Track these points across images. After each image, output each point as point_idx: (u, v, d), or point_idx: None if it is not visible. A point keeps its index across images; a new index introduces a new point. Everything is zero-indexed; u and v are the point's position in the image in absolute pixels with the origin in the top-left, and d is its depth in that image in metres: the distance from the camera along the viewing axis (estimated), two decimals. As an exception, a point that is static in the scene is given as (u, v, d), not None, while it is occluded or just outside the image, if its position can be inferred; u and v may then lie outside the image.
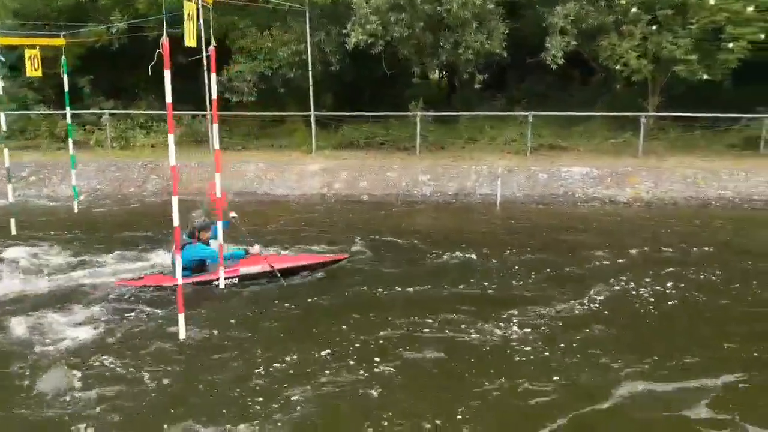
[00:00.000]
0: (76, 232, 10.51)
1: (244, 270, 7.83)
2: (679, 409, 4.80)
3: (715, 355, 5.92)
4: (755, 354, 5.90)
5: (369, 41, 14.56)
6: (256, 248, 7.81)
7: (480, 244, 9.82)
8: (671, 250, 9.62)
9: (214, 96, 6.86)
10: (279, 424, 4.66)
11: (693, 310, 7.16)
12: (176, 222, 5.44)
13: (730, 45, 14.01)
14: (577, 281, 8.10)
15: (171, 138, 5.59)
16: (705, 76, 14.55)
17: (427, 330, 6.50)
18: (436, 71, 19.30)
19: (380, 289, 7.75)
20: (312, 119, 15.88)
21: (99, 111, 16.66)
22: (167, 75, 5.41)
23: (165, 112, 15.65)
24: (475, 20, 14.69)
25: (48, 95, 16.99)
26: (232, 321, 6.69)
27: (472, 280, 8.16)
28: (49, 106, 16.98)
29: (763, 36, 14.07)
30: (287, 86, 16.28)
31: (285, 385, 5.23)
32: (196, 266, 7.72)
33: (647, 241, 10.16)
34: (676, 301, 7.44)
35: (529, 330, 6.50)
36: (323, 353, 5.81)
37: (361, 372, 5.49)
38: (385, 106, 16.69)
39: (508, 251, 9.52)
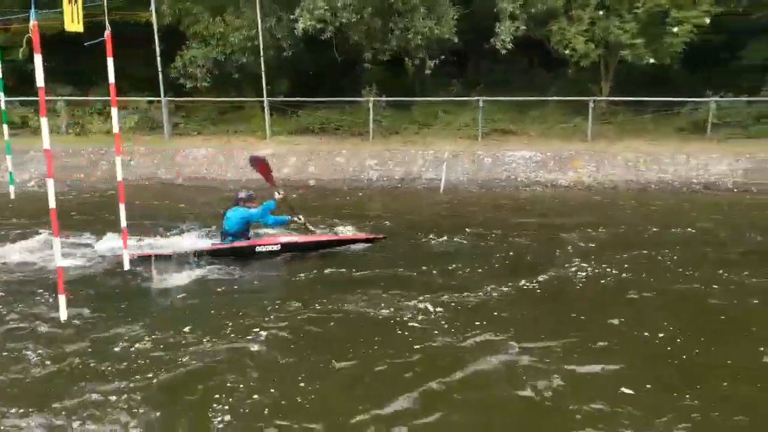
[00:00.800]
0: (10, 218, 10.62)
1: (284, 239, 8.41)
2: (523, 387, 4.90)
3: (610, 339, 5.75)
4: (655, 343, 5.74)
5: (318, 27, 14.64)
6: (300, 219, 8.49)
7: (415, 228, 9.77)
8: (603, 231, 9.52)
9: (112, 80, 6.97)
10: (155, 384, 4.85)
11: (613, 293, 6.98)
12: (52, 204, 5.54)
13: (675, 29, 14.12)
14: (504, 265, 7.93)
15: (44, 121, 5.69)
16: (651, 60, 14.68)
17: (332, 307, 6.45)
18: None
19: (301, 275, 7.62)
20: (265, 105, 15.99)
21: (54, 98, 16.74)
22: (38, 59, 5.51)
23: (124, 98, 15.66)
24: (423, 5, 14.78)
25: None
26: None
27: (401, 262, 7.97)
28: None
29: (707, 20, 14.19)
30: (242, 72, 16.37)
31: (152, 356, 5.37)
32: (241, 232, 8.19)
33: (580, 225, 10.08)
34: (603, 281, 7.33)
35: (442, 310, 6.34)
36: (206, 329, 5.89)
37: (243, 343, 5.62)
38: (347, 92, 16.76)
39: (444, 234, 9.34)
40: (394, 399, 4.63)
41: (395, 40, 15.29)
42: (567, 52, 15.16)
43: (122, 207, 7.04)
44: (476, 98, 15.76)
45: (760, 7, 14.95)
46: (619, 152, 14.02)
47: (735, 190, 12.87)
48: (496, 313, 6.30)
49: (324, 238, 8.58)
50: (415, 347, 5.50)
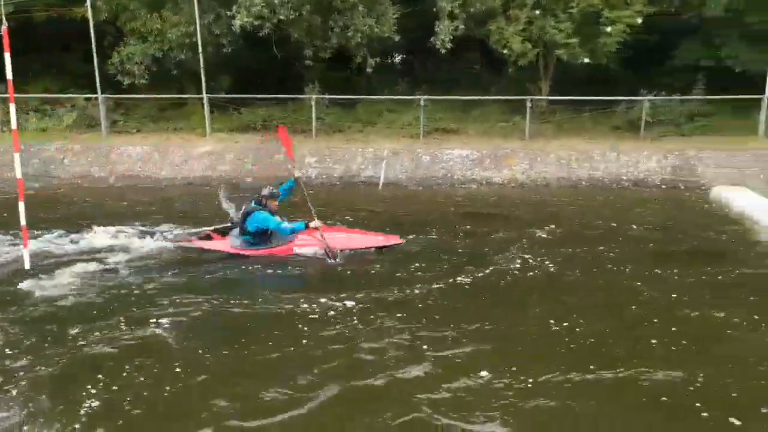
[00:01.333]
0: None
1: (297, 250, 7.90)
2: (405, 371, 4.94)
3: (509, 331, 5.79)
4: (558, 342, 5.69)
5: (256, 24, 14.57)
6: (316, 222, 7.87)
7: (350, 225, 9.63)
8: (536, 227, 9.51)
9: (9, 76, 6.86)
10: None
11: (543, 288, 6.97)
12: None
13: (608, 29, 14.37)
14: (437, 260, 7.85)
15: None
16: (586, 60, 14.92)
17: (244, 302, 6.36)
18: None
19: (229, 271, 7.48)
20: (205, 102, 15.87)
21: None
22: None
23: (60, 95, 15.39)
24: (363, 4, 14.81)
25: None
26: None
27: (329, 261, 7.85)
28: None
29: (639, 20, 14.47)
30: (181, 69, 16.22)
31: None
32: (260, 235, 7.83)
33: (509, 219, 10.38)
34: (534, 274, 7.35)
35: (364, 305, 6.26)
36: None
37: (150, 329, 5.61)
38: (291, 89, 16.70)
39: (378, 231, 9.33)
40: (271, 390, 4.62)
41: (335, 38, 15.29)
42: (505, 51, 15.31)
43: (21, 205, 6.95)
44: (418, 97, 15.83)
45: (691, 7, 15.28)
46: (554, 150, 14.23)
47: (663, 186, 13.16)
48: (417, 308, 6.24)
49: (340, 246, 7.94)
50: (311, 343, 5.47)
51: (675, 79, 16.07)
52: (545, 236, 9.06)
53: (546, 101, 16.42)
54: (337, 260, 7.70)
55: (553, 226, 9.56)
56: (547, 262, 7.70)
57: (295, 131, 16.10)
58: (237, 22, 14.49)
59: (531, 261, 7.74)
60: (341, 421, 4.32)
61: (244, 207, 8.02)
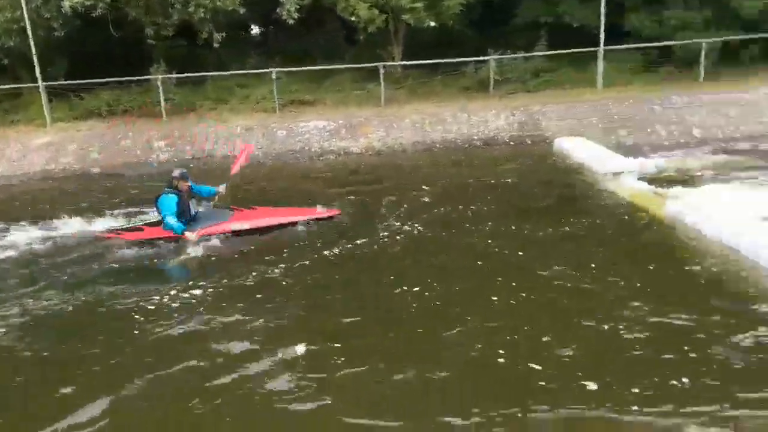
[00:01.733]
0: None
1: (236, 227, 7.84)
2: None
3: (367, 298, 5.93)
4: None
5: (87, 4, 13.72)
6: (221, 188, 8.25)
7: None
8: (399, 195, 9.64)
9: None
10: None
11: (397, 252, 7.14)
12: None
13: (450, -9, 14.61)
14: (293, 237, 7.83)
15: None
16: (432, 23, 15.15)
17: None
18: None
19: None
20: (41, 90, 14.83)
21: None
22: None
23: None
24: (202, -23, 14.26)
25: None
26: None
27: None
28: None
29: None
30: (11, 56, 15.04)
31: None
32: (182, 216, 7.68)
33: (371, 187, 10.45)
34: (400, 240, 7.45)
35: (212, 290, 6.22)
36: None
37: None
38: (136, 70, 15.86)
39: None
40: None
41: (177, 14, 14.67)
42: (353, 19, 15.26)
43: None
44: (269, 70, 15.52)
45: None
46: (408, 115, 14.42)
47: (511, 143, 13.66)
48: (279, 287, 6.23)
49: (275, 220, 8.04)
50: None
51: (519, 37, 16.68)
52: (410, 202, 9.20)
53: (399, 66, 16.58)
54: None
55: (415, 192, 9.74)
56: (416, 226, 7.92)
57: (144, 114, 15.45)
58: (66, 4, 13.61)
59: (397, 226, 7.90)
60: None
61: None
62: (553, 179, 10.61)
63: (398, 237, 7.58)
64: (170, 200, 7.61)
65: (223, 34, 15.19)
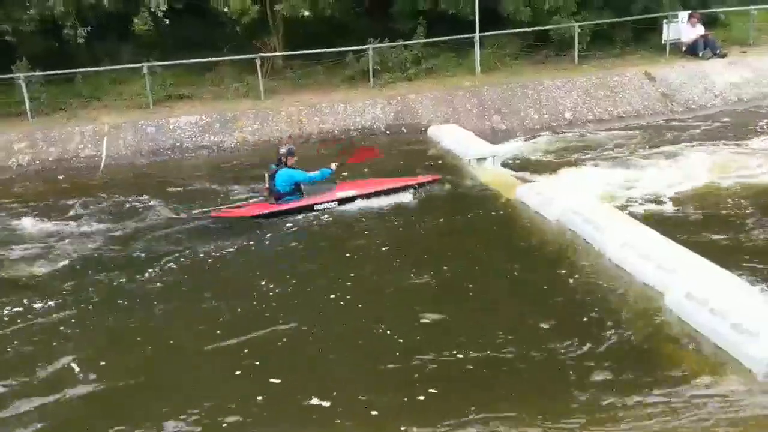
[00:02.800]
0: None
1: (341, 194, 8.71)
2: None
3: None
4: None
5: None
6: (333, 165, 8.81)
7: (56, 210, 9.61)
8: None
9: None
10: None
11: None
12: None
13: (322, -20, 14.36)
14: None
15: None
16: (306, 13, 14.88)
17: None
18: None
19: None
20: None
21: None
22: None
23: None
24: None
25: None
26: None
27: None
28: None
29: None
30: None
31: None
32: (293, 190, 8.52)
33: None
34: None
35: None
36: None
37: None
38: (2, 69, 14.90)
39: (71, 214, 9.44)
40: None
41: (34, 8, 13.86)
42: (226, 10, 14.82)
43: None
44: (140, 65, 14.89)
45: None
46: (284, 108, 14.11)
47: (388, 132, 13.60)
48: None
49: (378, 186, 8.90)
50: None
51: (400, 24, 16.57)
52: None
53: (281, 58, 16.23)
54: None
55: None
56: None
57: (8, 115, 14.59)
58: None
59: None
60: None
61: (266, 173, 8.73)
62: (417, 165, 10.62)
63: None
64: (290, 171, 8.51)
65: (89, 29, 14.45)
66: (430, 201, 8.91)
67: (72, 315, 6.19)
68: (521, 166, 10.55)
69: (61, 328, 5.96)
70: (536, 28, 15.73)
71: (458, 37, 15.52)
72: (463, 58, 15.96)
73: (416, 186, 9.09)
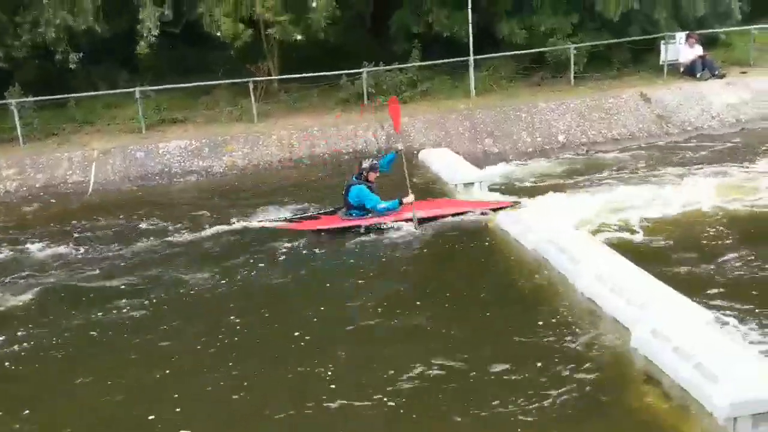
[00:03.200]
0: None
1: (408, 214, 8.55)
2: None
3: None
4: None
5: None
6: (410, 198, 8.57)
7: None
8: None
9: None
10: None
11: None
12: None
13: (314, 4, 14.32)
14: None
15: None
16: (299, 37, 14.82)
17: None
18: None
19: None
20: None
21: None
22: None
23: None
24: (48, -6, 13.58)
25: None
26: None
27: None
28: None
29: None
30: None
31: None
32: (362, 208, 8.51)
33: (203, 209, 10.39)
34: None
35: None
36: None
37: None
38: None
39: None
40: None
41: (26, 34, 13.93)
42: (219, 34, 14.81)
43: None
44: (132, 89, 14.88)
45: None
46: (276, 131, 14.01)
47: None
48: None
49: (449, 209, 8.80)
50: None
51: (396, 47, 16.50)
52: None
53: (276, 81, 16.18)
54: (417, 229, 8.41)
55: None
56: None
57: (0, 141, 14.62)
58: None
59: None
60: None
61: (345, 182, 8.78)
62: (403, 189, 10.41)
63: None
64: (365, 190, 8.41)
65: (80, 54, 14.48)
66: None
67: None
68: (509, 190, 10.33)
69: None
70: (532, 50, 15.59)
71: (453, 60, 15.38)
72: (459, 81, 15.82)
73: (493, 209, 8.78)
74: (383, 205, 8.50)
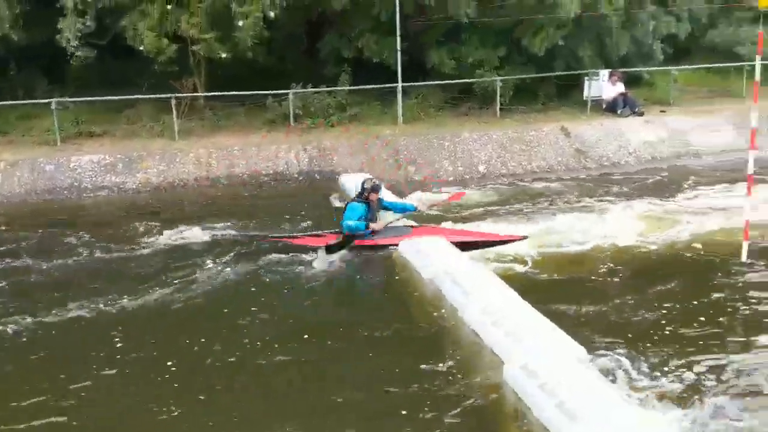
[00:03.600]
0: None
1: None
2: None
3: None
4: None
5: None
6: (422, 206, 9.03)
7: None
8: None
9: None
10: None
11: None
12: None
13: (241, 23, 14.14)
14: None
15: None
16: (224, 54, 14.60)
17: None
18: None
19: None
20: None
21: None
22: None
23: None
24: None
25: None
26: None
27: None
28: None
29: (272, 14, 14.40)
30: None
31: None
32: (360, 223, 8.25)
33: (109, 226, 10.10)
34: None
35: None
36: None
37: None
38: None
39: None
40: None
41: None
42: (141, 48, 14.47)
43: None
44: (49, 101, 14.36)
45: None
46: (195, 149, 13.70)
47: (300, 178, 13.28)
48: None
49: (469, 237, 8.33)
50: None
51: (326, 70, 16.42)
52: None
53: (201, 98, 15.87)
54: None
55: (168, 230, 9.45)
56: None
57: None
58: None
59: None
60: None
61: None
62: (316, 213, 10.31)
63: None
64: (357, 208, 8.23)
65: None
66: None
67: None
68: (423, 219, 10.24)
69: None
70: (460, 81, 15.73)
71: (380, 86, 15.38)
72: (388, 108, 15.81)
73: (502, 242, 8.32)
74: (351, 222, 8.23)
